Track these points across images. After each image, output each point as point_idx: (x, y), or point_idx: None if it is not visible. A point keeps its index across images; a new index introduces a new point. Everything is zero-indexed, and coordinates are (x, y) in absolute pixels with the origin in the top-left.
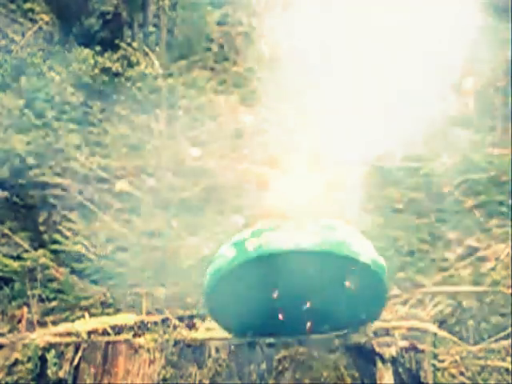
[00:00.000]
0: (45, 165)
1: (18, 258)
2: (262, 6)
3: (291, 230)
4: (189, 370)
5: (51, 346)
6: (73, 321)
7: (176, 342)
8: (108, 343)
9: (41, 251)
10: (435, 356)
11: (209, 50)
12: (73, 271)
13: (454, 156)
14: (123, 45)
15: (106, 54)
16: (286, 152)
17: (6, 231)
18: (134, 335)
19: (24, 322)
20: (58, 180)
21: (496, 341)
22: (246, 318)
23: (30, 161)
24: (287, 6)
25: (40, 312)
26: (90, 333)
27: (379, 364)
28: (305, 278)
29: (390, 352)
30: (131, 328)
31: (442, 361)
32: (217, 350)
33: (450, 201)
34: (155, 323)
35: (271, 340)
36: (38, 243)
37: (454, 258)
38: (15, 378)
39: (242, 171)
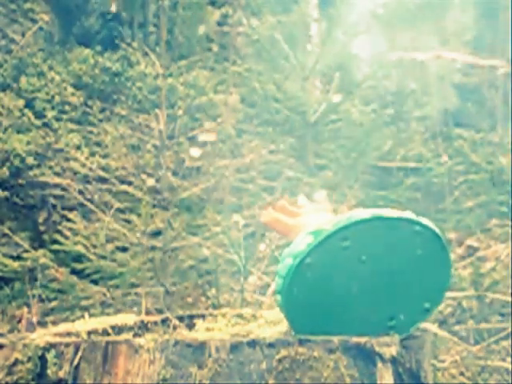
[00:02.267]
0: (45, 165)
1: (18, 258)
2: None
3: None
4: (189, 369)
5: (51, 345)
6: (73, 321)
7: (176, 342)
8: (108, 343)
9: (41, 251)
10: (435, 356)
11: (209, 50)
12: (73, 271)
13: (454, 156)
14: (123, 45)
15: (106, 54)
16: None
17: (6, 231)
18: (134, 335)
19: (24, 322)
20: (57, 180)
21: (496, 341)
22: (320, 316)
23: (30, 161)
24: None
25: (40, 312)
26: (89, 333)
27: (379, 364)
28: (380, 258)
29: (390, 352)
30: (131, 328)
31: (442, 361)
32: (217, 350)
33: (450, 201)
34: (155, 323)
35: (271, 340)
36: (38, 243)
37: (453, 258)
38: (15, 377)
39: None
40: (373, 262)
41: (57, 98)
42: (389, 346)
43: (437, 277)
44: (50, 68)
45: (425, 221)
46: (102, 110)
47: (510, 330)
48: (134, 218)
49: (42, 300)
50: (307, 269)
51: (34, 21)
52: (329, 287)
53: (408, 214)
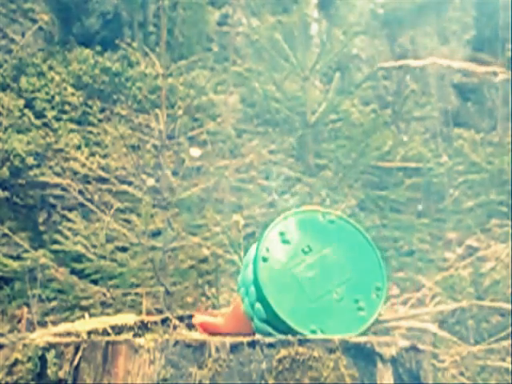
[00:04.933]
0: (45, 165)
1: (18, 258)
2: None
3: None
4: (189, 369)
5: (51, 346)
6: (73, 321)
7: (176, 342)
8: (108, 343)
9: (41, 251)
10: (435, 356)
11: (209, 50)
12: (73, 271)
13: (454, 156)
14: (123, 45)
15: (106, 54)
16: None
17: (6, 231)
18: (134, 335)
19: (24, 321)
20: (57, 180)
21: (496, 341)
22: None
23: (30, 161)
24: None
25: (40, 312)
26: (89, 333)
27: (379, 364)
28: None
29: (390, 352)
30: (131, 328)
31: (442, 361)
32: (217, 350)
33: (450, 201)
34: (155, 323)
35: (271, 340)
36: (38, 243)
37: (454, 258)
38: (15, 377)
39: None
40: (314, 251)
41: (57, 98)
42: (389, 346)
43: (368, 256)
44: (50, 68)
45: (335, 212)
46: (102, 110)
47: (510, 330)
48: (133, 218)
49: (42, 300)
50: (266, 268)
51: (33, 21)
52: (294, 284)
53: (321, 208)
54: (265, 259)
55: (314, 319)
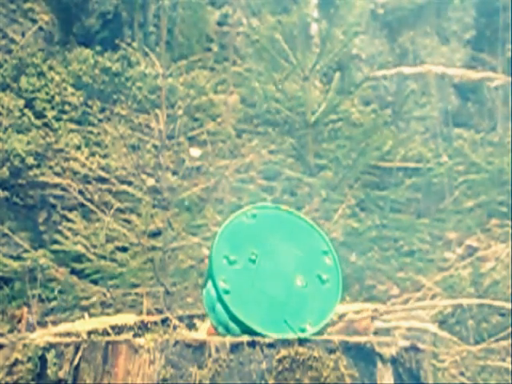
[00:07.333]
0: (45, 165)
1: (18, 258)
2: None
3: None
4: (189, 369)
5: (51, 346)
6: (73, 321)
7: (176, 342)
8: (108, 343)
9: (41, 251)
10: (435, 356)
11: (209, 50)
12: (73, 271)
13: (454, 156)
14: (123, 45)
15: (106, 54)
16: None
17: (6, 231)
18: (134, 335)
19: (24, 322)
20: (57, 180)
21: (496, 341)
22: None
23: (30, 161)
24: None
25: (40, 312)
26: (89, 333)
27: (379, 364)
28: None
29: (390, 352)
30: (131, 328)
31: (442, 361)
32: (217, 350)
33: (450, 201)
34: (155, 323)
35: (271, 340)
36: (38, 243)
37: (454, 258)
38: (15, 377)
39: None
40: (259, 254)
41: (57, 98)
42: (389, 346)
43: (300, 228)
44: (50, 68)
45: (248, 206)
46: (102, 110)
47: (510, 330)
48: (133, 218)
49: (42, 300)
50: (233, 300)
51: (33, 21)
52: (264, 297)
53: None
54: (227, 292)
55: (297, 318)
